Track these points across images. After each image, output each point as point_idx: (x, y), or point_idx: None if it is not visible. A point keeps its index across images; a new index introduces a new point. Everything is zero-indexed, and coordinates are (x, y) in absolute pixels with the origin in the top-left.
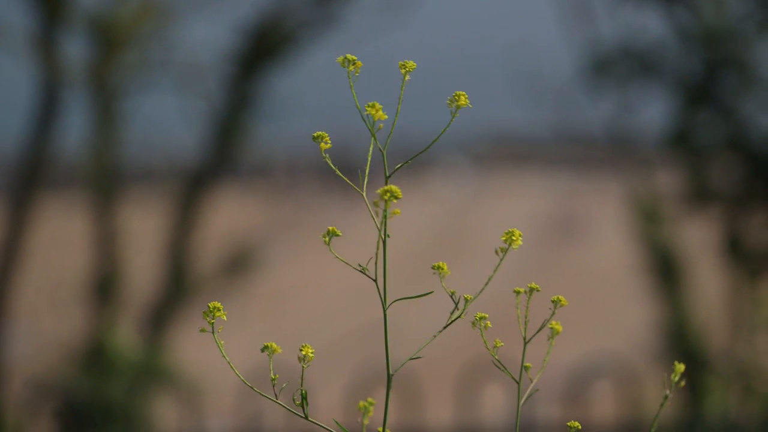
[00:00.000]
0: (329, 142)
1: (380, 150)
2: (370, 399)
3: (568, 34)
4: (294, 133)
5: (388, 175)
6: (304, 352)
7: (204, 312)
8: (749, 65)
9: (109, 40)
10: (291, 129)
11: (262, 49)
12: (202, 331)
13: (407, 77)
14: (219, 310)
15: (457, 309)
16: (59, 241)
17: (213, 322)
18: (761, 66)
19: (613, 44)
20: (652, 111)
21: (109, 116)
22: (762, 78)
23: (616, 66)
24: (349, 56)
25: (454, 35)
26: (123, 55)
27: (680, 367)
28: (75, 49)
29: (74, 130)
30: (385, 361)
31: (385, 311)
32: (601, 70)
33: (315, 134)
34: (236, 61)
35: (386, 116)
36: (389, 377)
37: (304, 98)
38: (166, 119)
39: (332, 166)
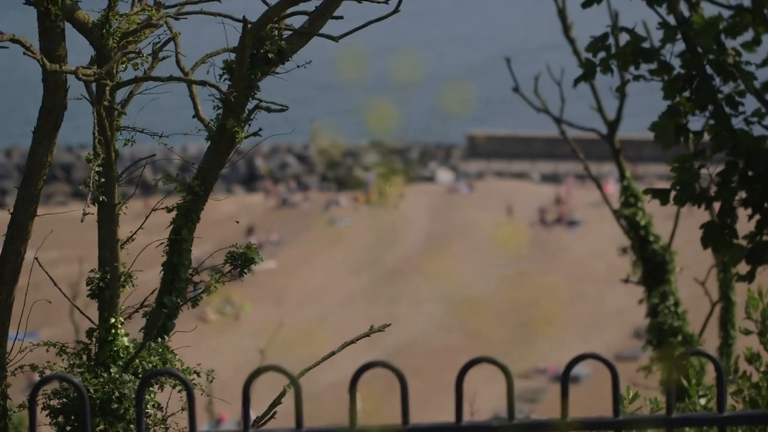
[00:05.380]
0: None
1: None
2: None
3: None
4: (294, 127)
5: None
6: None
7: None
8: (739, 68)
9: (109, 43)
10: (292, 124)
11: (264, 47)
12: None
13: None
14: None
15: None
16: (61, 238)
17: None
18: (750, 67)
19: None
20: (645, 105)
21: (110, 117)
22: (751, 78)
23: (613, 55)
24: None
25: (455, 31)
26: (124, 58)
27: (675, 359)
28: (76, 49)
29: (76, 130)
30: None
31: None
32: (600, 58)
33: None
34: (239, 57)
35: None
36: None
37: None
38: (167, 117)
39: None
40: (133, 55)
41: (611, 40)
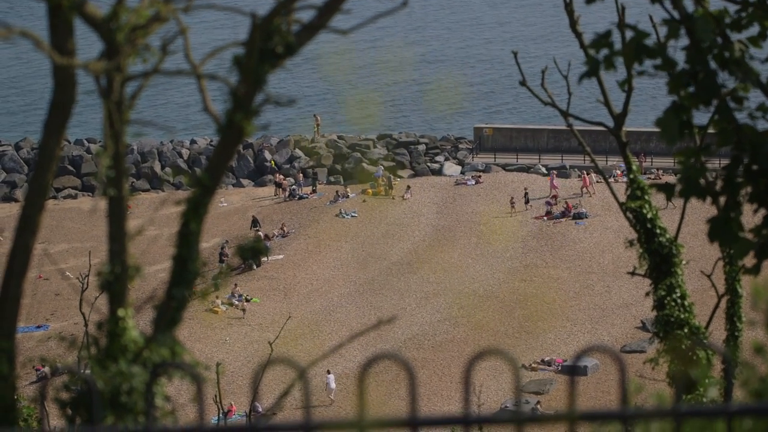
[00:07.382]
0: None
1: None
2: None
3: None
4: (299, 120)
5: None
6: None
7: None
8: (743, 63)
9: (119, 37)
10: (298, 117)
11: (273, 41)
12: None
13: None
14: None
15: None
16: (71, 231)
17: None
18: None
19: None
20: (652, 99)
21: (119, 111)
22: (754, 73)
23: (617, 51)
24: None
25: (462, 27)
26: (133, 51)
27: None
28: (84, 44)
29: (85, 125)
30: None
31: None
32: (605, 53)
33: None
34: (247, 51)
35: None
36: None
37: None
38: (176, 110)
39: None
40: (142, 48)
41: (617, 36)
